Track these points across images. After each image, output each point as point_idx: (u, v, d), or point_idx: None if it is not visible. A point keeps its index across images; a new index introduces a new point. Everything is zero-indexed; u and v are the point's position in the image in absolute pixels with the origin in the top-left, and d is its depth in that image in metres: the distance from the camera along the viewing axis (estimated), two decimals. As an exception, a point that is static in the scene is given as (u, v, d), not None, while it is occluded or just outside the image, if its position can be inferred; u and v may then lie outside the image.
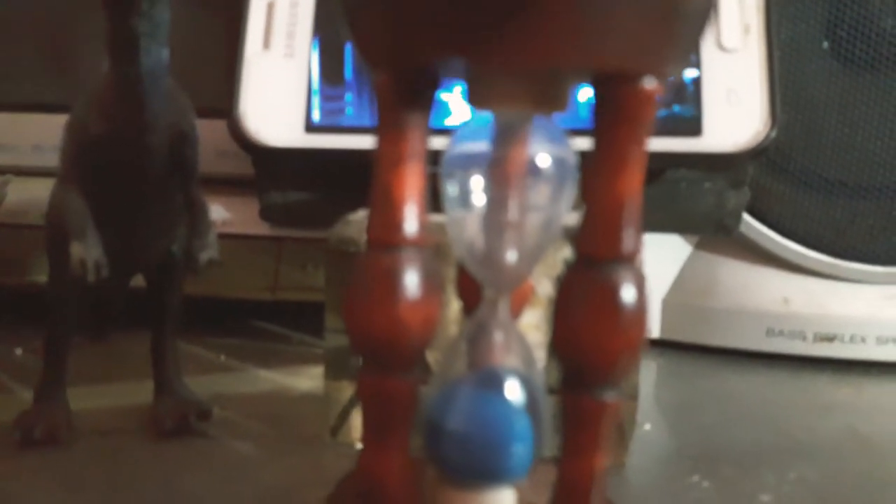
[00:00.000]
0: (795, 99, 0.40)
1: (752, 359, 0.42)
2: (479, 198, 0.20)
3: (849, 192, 0.41)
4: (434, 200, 0.20)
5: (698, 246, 0.44)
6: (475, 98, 0.19)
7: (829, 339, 0.41)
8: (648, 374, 0.41)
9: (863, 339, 0.40)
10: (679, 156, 0.35)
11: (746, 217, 0.41)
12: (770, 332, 0.41)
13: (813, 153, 0.41)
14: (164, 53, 0.27)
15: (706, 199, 0.37)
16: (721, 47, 0.36)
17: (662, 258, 0.43)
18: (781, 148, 0.41)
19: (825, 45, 0.40)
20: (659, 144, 0.34)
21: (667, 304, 0.43)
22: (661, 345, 0.43)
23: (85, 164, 0.28)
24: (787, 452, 0.30)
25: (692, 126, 0.36)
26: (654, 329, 0.44)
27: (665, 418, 0.35)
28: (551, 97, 0.19)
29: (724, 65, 0.36)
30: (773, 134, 0.35)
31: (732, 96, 0.36)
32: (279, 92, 0.39)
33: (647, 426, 0.33)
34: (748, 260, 0.42)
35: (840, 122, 0.40)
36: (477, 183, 0.20)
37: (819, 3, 0.40)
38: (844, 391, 0.38)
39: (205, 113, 0.32)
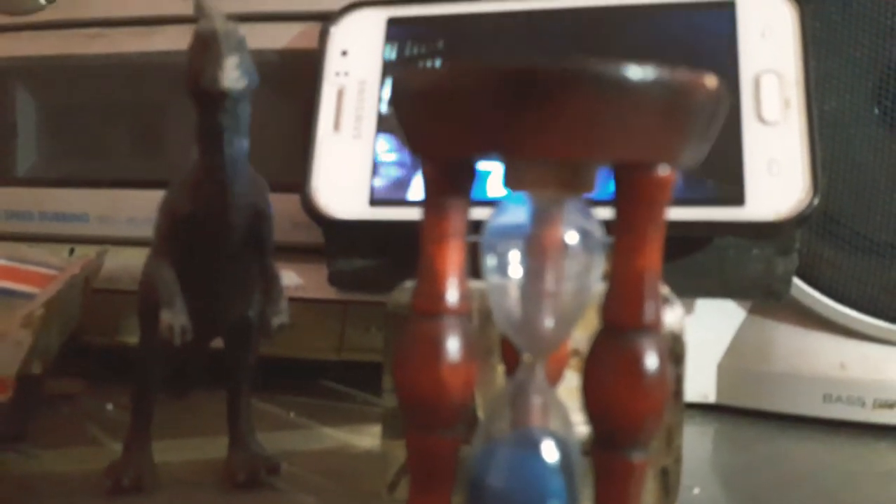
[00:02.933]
0: (844, 165, 0.41)
1: (810, 425, 0.41)
2: (515, 269, 0.23)
3: (901, 256, 0.41)
4: (476, 267, 0.22)
5: (752, 311, 0.44)
6: (510, 181, 0.22)
7: (889, 405, 0.40)
8: (704, 438, 0.41)
9: (925, 407, 0.40)
10: (722, 225, 0.37)
11: (799, 282, 0.42)
12: (827, 399, 0.41)
13: (863, 218, 0.41)
14: (245, 143, 0.30)
15: (754, 266, 0.38)
16: (762, 120, 0.38)
17: (717, 323, 0.44)
18: (831, 213, 0.41)
19: (875, 111, 0.41)
20: (703, 214, 0.36)
21: (722, 368, 0.44)
22: (717, 410, 0.44)
23: (175, 239, 0.31)
24: (839, 520, 0.30)
25: (735, 196, 0.37)
26: (711, 394, 0.44)
27: (717, 483, 0.36)
28: (578, 181, 0.21)
29: (766, 137, 0.37)
30: (816, 202, 0.36)
31: (774, 167, 0.37)
32: (347, 169, 0.42)
33: (696, 490, 0.33)
34: (803, 325, 0.43)
35: (889, 186, 0.41)
36: (514, 255, 0.23)
37: (866, 74, 0.41)
38: (905, 459, 0.38)
39: (281, 188, 0.35)
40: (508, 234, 0.22)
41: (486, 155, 0.20)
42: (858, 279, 0.41)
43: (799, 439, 0.40)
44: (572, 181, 0.21)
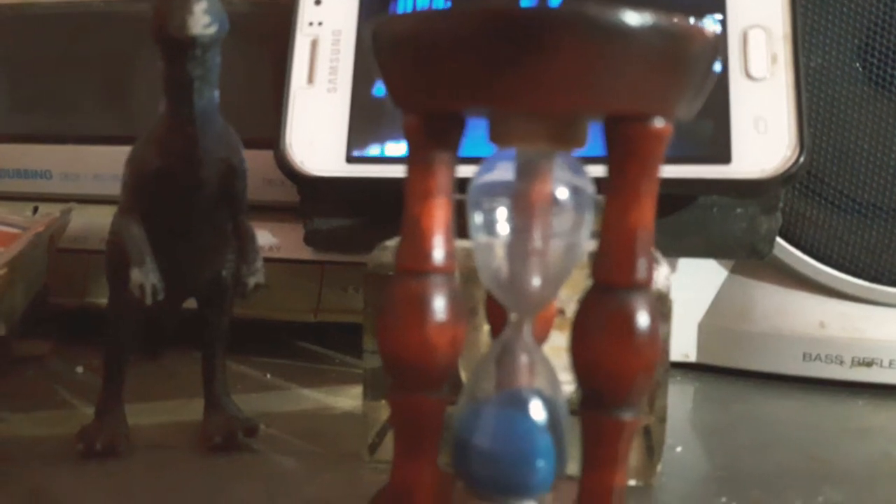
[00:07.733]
0: (828, 123, 0.41)
1: (789, 383, 0.42)
2: (503, 226, 0.22)
3: (883, 215, 0.41)
4: (462, 226, 0.21)
5: (734, 270, 0.44)
6: (497, 136, 0.21)
7: (867, 363, 0.40)
8: (685, 397, 0.41)
9: (901, 364, 0.40)
10: (709, 183, 0.36)
11: (781, 241, 0.41)
12: (807, 357, 0.41)
13: (846, 177, 0.41)
14: (216, 94, 0.29)
15: (738, 225, 0.38)
16: (749, 76, 0.37)
17: (698, 283, 0.44)
18: (815, 172, 0.41)
19: (857, 66, 0.40)
20: (689, 171, 0.36)
21: (703, 328, 0.44)
22: (697, 368, 0.44)
23: (143, 196, 0.30)
24: (818, 476, 0.31)
25: (721, 153, 0.36)
26: (692, 353, 0.44)
27: (698, 441, 0.36)
28: (569, 136, 0.20)
29: (753, 93, 0.37)
30: (802, 160, 0.35)
31: (760, 124, 0.36)
32: (322, 124, 0.41)
33: (679, 449, 0.33)
34: (784, 284, 0.43)
35: (873, 145, 0.40)
36: (501, 213, 0.22)
37: (851, 30, 0.41)
38: (881, 416, 0.38)
39: (254, 144, 0.34)
40: (495, 190, 0.22)
41: (471, 108, 0.19)
42: (840, 238, 0.41)
43: (779, 398, 0.40)
44: (562, 136, 0.20)
